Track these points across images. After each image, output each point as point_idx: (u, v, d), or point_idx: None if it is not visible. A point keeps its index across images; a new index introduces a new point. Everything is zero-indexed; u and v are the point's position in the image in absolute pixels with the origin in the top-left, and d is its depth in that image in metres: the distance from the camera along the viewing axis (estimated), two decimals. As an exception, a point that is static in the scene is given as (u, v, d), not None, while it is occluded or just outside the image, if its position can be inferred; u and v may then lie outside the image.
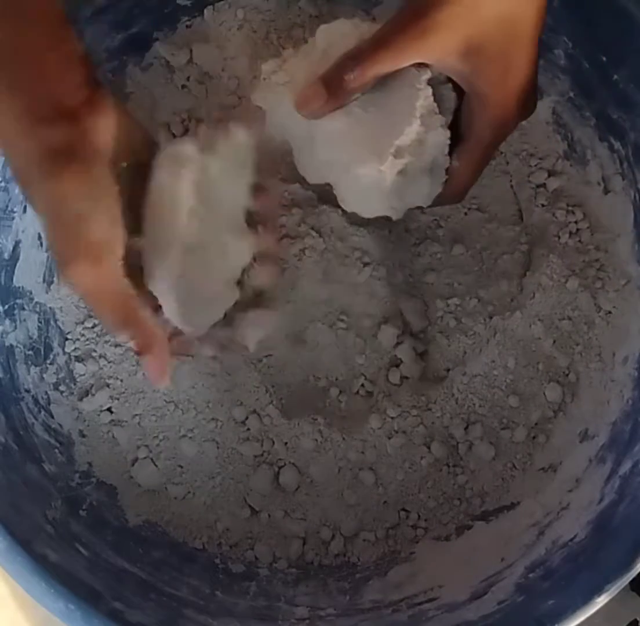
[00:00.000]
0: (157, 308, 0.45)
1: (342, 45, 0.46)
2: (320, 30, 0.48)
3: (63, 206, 0.40)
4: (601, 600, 0.44)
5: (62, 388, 0.56)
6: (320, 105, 0.45)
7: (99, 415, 0.56)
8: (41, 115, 0.39)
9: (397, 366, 0.57)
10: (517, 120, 0.47)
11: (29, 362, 0.55)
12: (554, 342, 0.56)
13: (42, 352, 0.56)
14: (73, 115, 0.39)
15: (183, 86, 0.59)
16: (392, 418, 0.56)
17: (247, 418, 0.56)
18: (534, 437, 0.56)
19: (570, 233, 0.58)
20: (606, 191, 0.57)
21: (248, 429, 0.56)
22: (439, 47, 0.43)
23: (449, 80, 0.46)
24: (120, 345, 0.57)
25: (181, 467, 0.56)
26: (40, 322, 0.56)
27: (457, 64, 0.44)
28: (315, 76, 0.46)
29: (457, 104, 0.47)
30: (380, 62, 0.44)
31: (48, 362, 0.56)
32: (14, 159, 0.40)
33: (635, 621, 0.57)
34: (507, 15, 0.43)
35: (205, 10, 0.59)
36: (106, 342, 0.57)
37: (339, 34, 0.47)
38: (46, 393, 0.55)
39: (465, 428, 0.56)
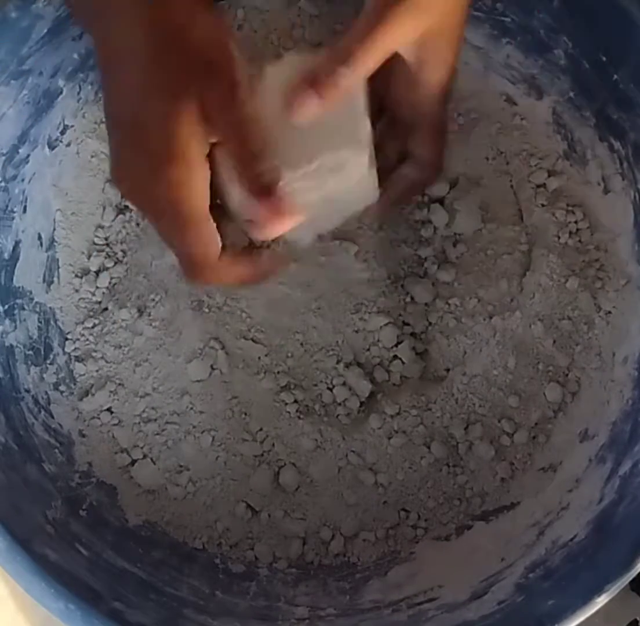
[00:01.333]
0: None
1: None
2: (268, 71, 0.46)
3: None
4: (601, 600, 0.44)
5: (62, 388, 0.56)
6: (312, 108, 0.44)
7: (99, 415, 0.56)
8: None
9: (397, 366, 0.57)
10: (450, 87, 0.49)
11: (29, 362, 0.55)
12: (554, 342, 0.56)
13: (42, 352, 0.56)
14: None
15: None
16: (392, 418, 0.56)
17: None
18: (534, 437, 0.56)
19: (570, 233, 0.58)
20: (606, 191, 0.57)
21: (248, 429, 0.56)
22: (419, 25, 0.44)
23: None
24: (120, 346, 0.57)
25: (181, 466, 0.56)
26: (40, 322, 0.56)
27: (418, 44, 0.45)
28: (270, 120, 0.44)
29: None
30: (371, 53, 0.43)
31: (48, 362, 0.56)
32: None
33: (635, 621, 0.57)
34: None
35: (205, 10, 0.59)
36: (106, 342, 0.57)
37: (288, 71, 0.46)
38: (46, 393, 0.55)
39: (465, 428, 0.56)
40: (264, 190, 0.43)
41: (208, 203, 0.42)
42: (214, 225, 0.43)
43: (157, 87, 0.40)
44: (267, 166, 0.43)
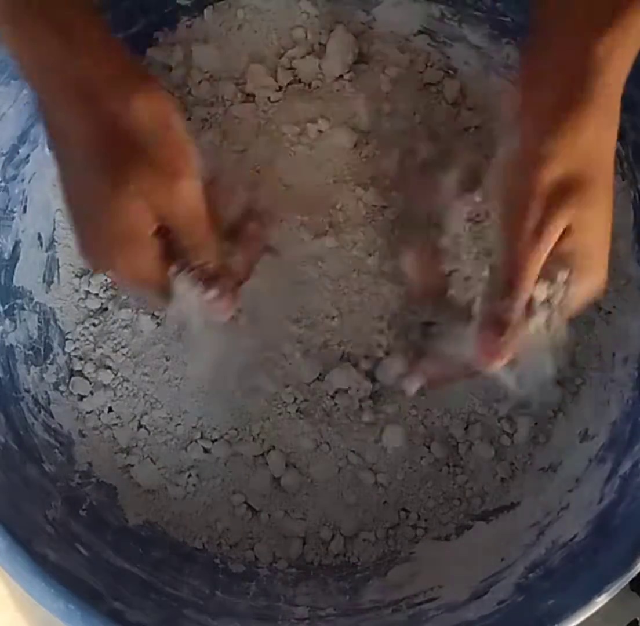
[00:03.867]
0: None
1: None
2: None
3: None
4: (601, 600, 0.44)
5: (62, 388, 0.56)
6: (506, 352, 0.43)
7: (99, 415, 0.56)
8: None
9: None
10: None
11: (29, 362, 0.55)
12: (554, 341, 0.56)
13: (42, 352, 0.56)
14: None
15: (183, 86, 0.60)
16: (392, 418, 0.56)
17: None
18: (534, 437, 0.56)
19: (571, 233, 0.58)
20: (606, 191, 0.57)
21: (248, 429, 0.56)
22: None
23: None
24: (120, 345, 0.57)
25: (181, 467, 0.56)
26: (40, 322, 0.56)
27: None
28: None
29: None
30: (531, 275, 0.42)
31: (48, 362, 0.56)
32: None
33: (635, 621, 0.57)
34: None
35: (205, 10, 0.59)
36: (106, 341, 0.57)
37: None
38: (46, 393, 0.55)
39: (465, 428, 0.56)
40: (211, 277, 0.45)
41: (164, 274, 0.44)
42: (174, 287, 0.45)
43: (99, 177, 0.40)
44: (208, 257, 0.44)
